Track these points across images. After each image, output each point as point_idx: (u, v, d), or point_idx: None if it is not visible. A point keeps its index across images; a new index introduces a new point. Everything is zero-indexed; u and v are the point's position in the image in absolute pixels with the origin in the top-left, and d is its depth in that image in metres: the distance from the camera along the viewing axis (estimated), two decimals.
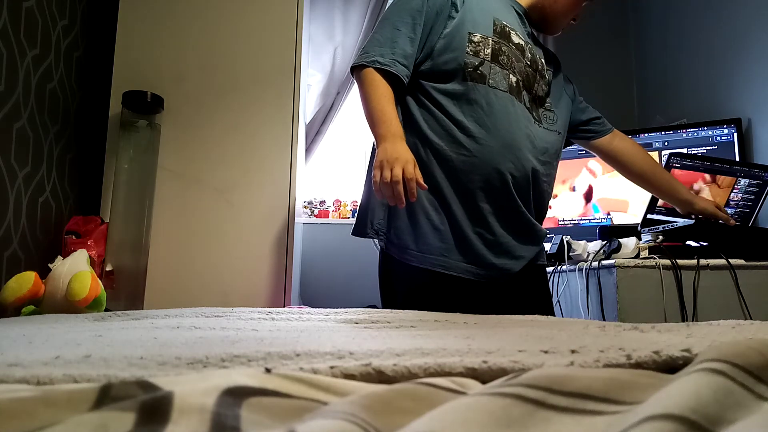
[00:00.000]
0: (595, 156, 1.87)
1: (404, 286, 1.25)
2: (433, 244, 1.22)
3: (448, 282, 1.21)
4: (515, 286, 1.29)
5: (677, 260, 1.58)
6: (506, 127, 1.24)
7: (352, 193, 2.95)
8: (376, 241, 1.30)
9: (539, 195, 1.32)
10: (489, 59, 1.24)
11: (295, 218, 1.67)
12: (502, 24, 1.29)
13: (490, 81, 1.24)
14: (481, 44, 1.25)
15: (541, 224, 1.36)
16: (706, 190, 1.83)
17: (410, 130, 1.25)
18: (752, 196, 1.82)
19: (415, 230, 1.23)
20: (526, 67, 1.31)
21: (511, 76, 1.27)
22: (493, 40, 1.26)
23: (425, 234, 1.22)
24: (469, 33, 1.25)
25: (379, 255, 1.32)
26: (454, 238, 1.22)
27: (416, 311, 1.03)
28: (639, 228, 1.80)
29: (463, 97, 1.24)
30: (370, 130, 1.20)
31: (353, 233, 1.30)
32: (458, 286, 1.22)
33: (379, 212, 1.26)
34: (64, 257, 1.19)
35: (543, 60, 1.38)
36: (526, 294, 1.31)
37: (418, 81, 1.27)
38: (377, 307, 1.27)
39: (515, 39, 1.30)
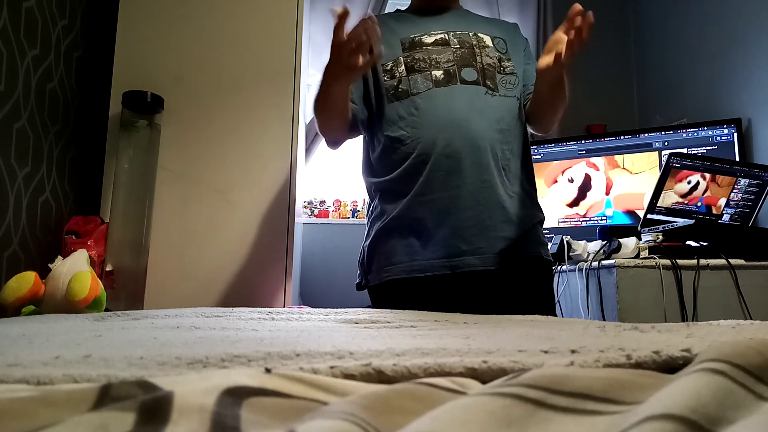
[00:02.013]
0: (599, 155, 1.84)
1: (391, 304, 1.23)
2: (404, 252, 1.24)
3: (428, 284, 1.21)
4: (505, 279, 1.23)
5: (677, 260, 1.58)
6: (444, 113, 1.26)
7: (352, 193, 2.95)
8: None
9: (506, 162, 1.29)
10: (405, 74, 1.31)
11: (295, 218, 1.67)
12: (409, 38, 1.35)
13: (413, 90, 1.29)
14: (393, 68, 1.32)
15: (522, 199, 1.31)
16: (703, 186, 1.82)
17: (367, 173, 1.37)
18: (752, 196, 1.82)
19: (387, 249, 1.27)
20: (456, 51, 1.33)
21: (434, 72, 1.30)
22: (403, 57, 1.32)
23: (395, 248, 1.26)
24: (383, 66, 1.33)
25: (369, 296, 1.36)
26: (422, 240, 1.24)
27: (416, 311, 1.03)
28: (639, 228, 1.80)
29: (392, 118, 1.29)
30: (323, 92, 1.26)
31: (358, 289, 1.39)
32: (439, 285, 1.21)
33: (362, 256, 1.36)
34: (64, 257, 1.19)
35: (480, 34, 1.36)
36: (520, 289, 1.25)
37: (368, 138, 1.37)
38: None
39: (429, 39, 1.34)
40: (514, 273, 1.24)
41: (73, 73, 1.64)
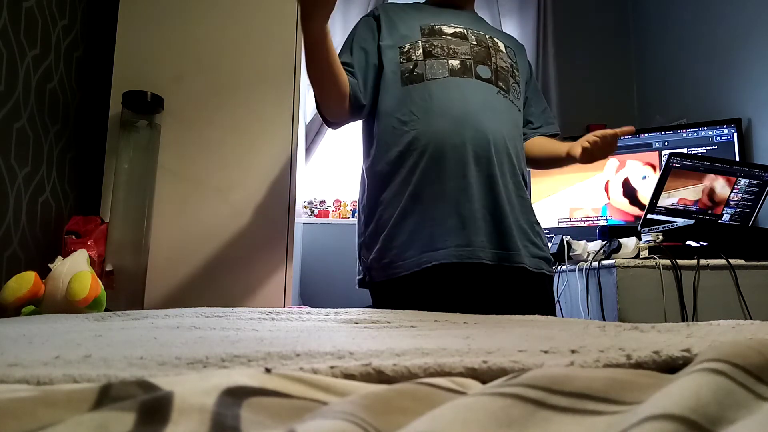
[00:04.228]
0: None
1: (397, 300, 1.21)
2: (415, 246, 1.22)
3: (436, 275, 1.21)
4: (508, 286, 1.24)
5: (677, 260, 1.58)
6: (458, 103, 1.26)
7: (352, 193, 2.95)
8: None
9: (512, 164, 1.29)
10: (422, 58, 1.30)
11: (295, 218, 1.67)
12: (429, 25, 1.35)
13: (428, 75, 1.28)
14: (410, 50, 1.32)
15: (527, 207, 1.31)
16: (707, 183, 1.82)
17: (372, 157, 1.34)
18: (752, 196, 1.82)
19: (397, 243, 1.24)
20: (473, 48, 1.34)
21: (451, 61, 1.30)
22: (422, 41, 1.32)
23: (406, 242, 1.23)
24: (399, 47, 1.33)
25: (370, 294, 1.33)
26: (431, 230, 1.22)
27: (416, 311, 1.03)
28: (639, 228, 1.80)
29: (404, 102, 1.28)
30: (307, 48, 1.18)
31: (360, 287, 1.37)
32: (447, 276, 1.21)
33: (365, 252, 1.32)
34: (64, 257, 1.19)
35: (495, 38, 1.40)
36: (520, 301, 1.24)
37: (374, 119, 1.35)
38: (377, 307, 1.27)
39: (449, 30, 1.35)
40: (516, 285, 1.24)
41: (73, 73, 1.64)
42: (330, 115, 1.33)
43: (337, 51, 1.27)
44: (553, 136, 1.48)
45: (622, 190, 2.31)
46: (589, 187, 2.34)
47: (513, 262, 1.24)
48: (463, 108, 1.25)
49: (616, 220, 2.29)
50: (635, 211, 2.25)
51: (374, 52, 1.34)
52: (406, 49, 1.32)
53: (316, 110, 2.85)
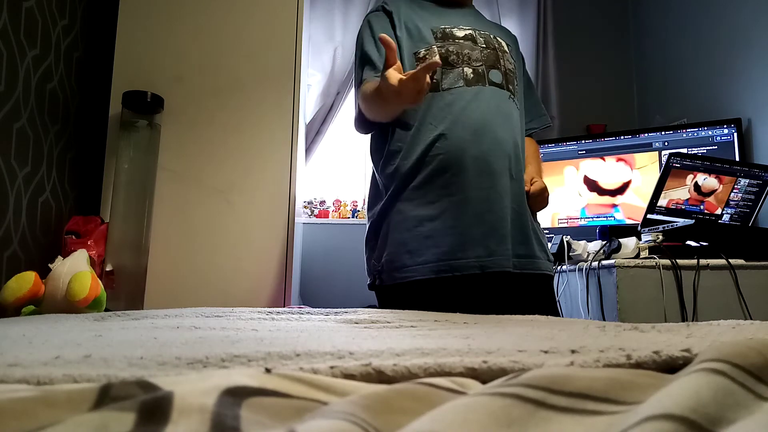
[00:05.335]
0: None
1: (410, 306, 1.19)
2: (432, 252, 1.21)
3: (454, 284, 1.20)
4: (518, 287, 1.24)
5: (677, 260, 1.58)
6: (475, 114, 1.25)
7: (352, 193, 2.95)
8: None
9: (523, 168, 1.30)
10: (440, 65, 1.27)
11: (295, 218, 1.68)
12: (440, 29, 1.32)
13: (444, 85, 1.27)
14: (426, 57, 1.29)
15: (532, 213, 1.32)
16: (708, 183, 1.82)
17: (387, 162, 1.32)
18: (752, 196, 1.82)
19: (409, 247, 1.23)
20: (483, 51, 1.32)
21: (465, 69, 1.29)
22: (437, 47, 1.29)
23: (419, 247, 1.22)
24: (414, 53, 1.30)
25: (377, 297, 1.32)
26: (450, 237, 1.21)
27: (416, 311, 1.03)
28: (639, 228, 1.80)
29: (422, 110, 1.26)
30: (384, 108, 1.21)
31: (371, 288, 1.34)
32: (466, 283, 1.20)
33: (374, 253, 1.30)
34: (64, 257, 1.19)
35: (499, 38, 1.38)
36: (529, 301, 1.24)
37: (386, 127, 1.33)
38: (377, 307, 1.26)
39: (459, 33, 1.33)
40: (528, 288, 1.25)
41: (73, 73, 1.64)
42: (373, 122, 1.33)
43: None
44: (543, 128, 1.50)
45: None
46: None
47: (533, 269, 1.25)
48: (481, 118, 1.25)
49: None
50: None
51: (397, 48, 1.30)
52: (421, 56, 1.30)
53: (316, 110, 2.84)
